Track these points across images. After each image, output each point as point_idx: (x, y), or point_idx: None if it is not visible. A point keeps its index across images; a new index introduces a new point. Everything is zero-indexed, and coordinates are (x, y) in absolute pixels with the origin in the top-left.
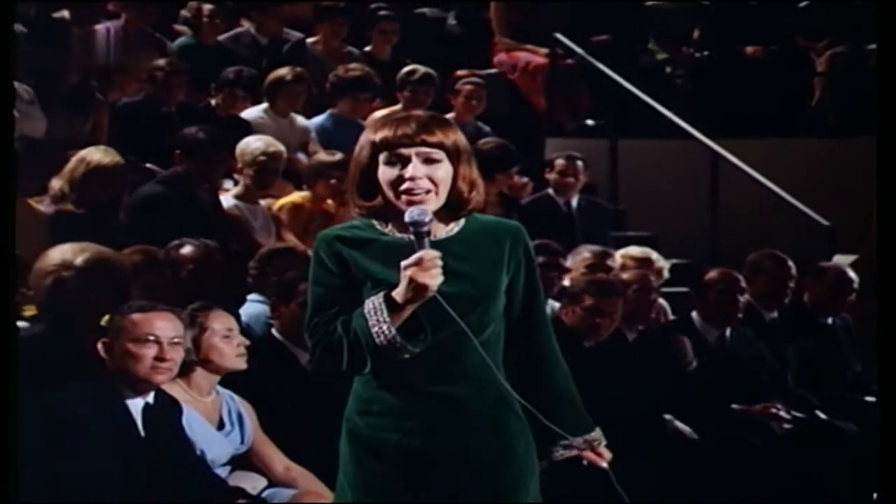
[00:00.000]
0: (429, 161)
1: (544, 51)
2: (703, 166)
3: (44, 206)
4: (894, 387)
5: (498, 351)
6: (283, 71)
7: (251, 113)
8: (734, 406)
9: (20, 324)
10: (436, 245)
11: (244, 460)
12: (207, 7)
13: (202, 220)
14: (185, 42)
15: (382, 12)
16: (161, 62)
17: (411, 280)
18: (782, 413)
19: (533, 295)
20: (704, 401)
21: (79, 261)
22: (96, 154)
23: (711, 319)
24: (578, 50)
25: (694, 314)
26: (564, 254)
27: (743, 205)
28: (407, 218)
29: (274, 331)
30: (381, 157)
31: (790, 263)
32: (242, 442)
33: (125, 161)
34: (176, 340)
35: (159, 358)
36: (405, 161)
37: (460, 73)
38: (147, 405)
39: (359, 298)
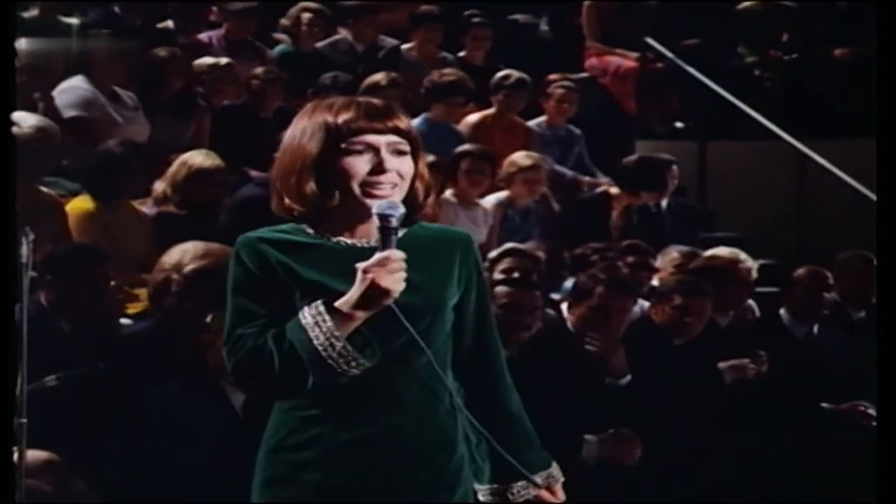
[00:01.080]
0: (397, 152)
1: (635, 55)
2: (791, 168)
3: (147, 207)
4: (894, 387)
5: (443, 375)
6: (379, 76)
7: None
8: (823, 405)
9: (123, 321)
10: (369, 251)
11: None
12: (306, 16)
13: None
14: (284, 49)
15: (476, 19)
16: (259, 70)
17: (372, 283)
18: (870, 411)
19: (484, 313)
20: (792, 398)
21: (188, 268)
22: (198, 157)
23: (799, 315)
24: (668, 54)
25: (782, 311)
26: (654, 254)
27: (830, 206)
28: (376, 209)
29: None
30: (345, 146)
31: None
32: None
33: (225, 164)
34: None
35: None
36: (374, 151)
37: (552, 77)
38: (247, 399)
39: (289, 309)
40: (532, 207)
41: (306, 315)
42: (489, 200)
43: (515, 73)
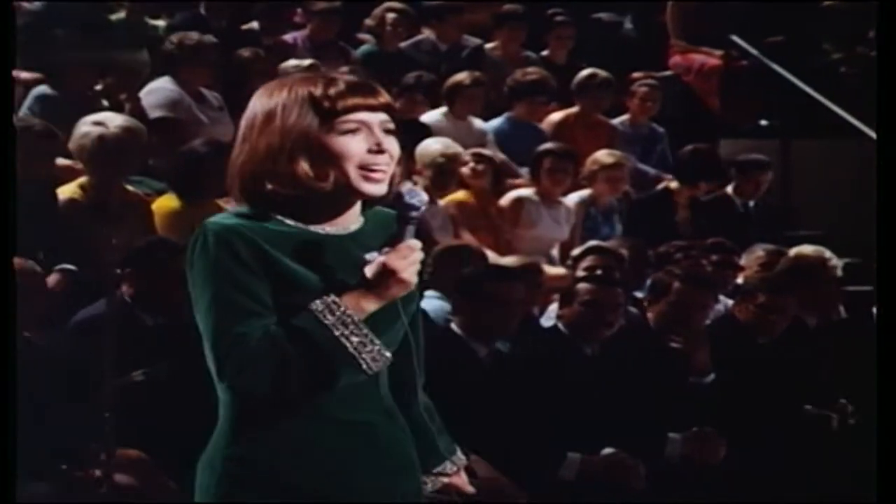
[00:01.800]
0: (387, 132)
1: (719, 52)
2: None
3: (231, 206)
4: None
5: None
6: (462, 75)
7: (430, 116)
8: None
9: None
10: (349, 239)
11: None
12: (390, 16)
13: None
14: (368, 49)
15: (560, 18)
16: (342, 69)
17: (393, 274)
18: None
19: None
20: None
21: None
22: None
23: None
24: (753, 51)
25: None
26: (739, 252)
27: None
28: (407, 198)
29: (453, 325)
30: (337, 124)
31: None
32: None
33: None
34: None
35: None
36: (368, 130)
37: (635, 75)
38: None
39: (277, 303)
40: (615, 206)
41: (317, 304)
42: (572, 199)
43: (602, 73)
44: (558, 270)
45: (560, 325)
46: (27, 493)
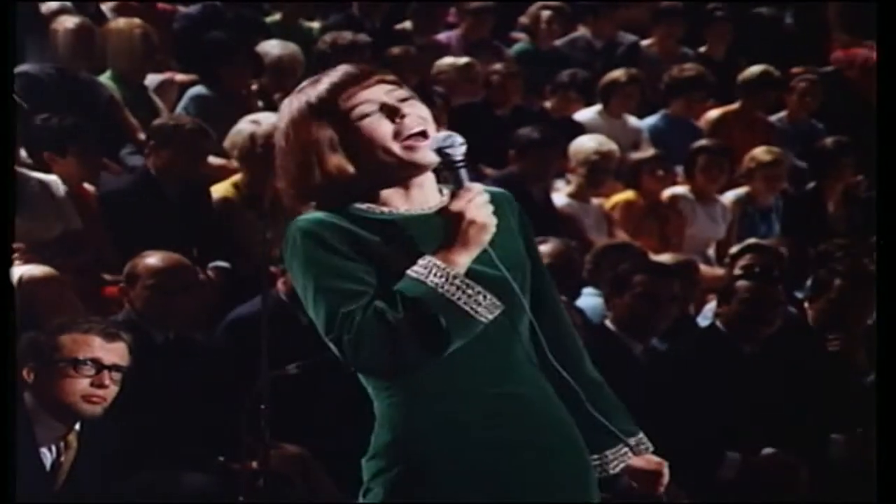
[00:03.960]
0: (401, 99)
1: None
2: None
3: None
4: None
5: (544, 342)
6: (618, 73)
7: (585, 114)
8: None
9: None
10: (433, 217)
11: None
12: (545, 14)
13: (534, 220)
14: (523, 48)
15: (718, 13)
16: (497, 66)
17: (469, 221)
18: None
19: (545, 276)
20: None
21: None
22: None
23: None
24: None
25: None
26: None
27: None
28: (434, 144)
29: (608, 322)
30: (349, 113)
31: None
32: None
33: None
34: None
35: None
36: (378, 104)
37: (795, 70)
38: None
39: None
40: (773, 204)
41: (414, 268)
42: (728, 196)
43: (766, 71)
44: (715, 269)
45: (718, 324)
46: (186, 483)
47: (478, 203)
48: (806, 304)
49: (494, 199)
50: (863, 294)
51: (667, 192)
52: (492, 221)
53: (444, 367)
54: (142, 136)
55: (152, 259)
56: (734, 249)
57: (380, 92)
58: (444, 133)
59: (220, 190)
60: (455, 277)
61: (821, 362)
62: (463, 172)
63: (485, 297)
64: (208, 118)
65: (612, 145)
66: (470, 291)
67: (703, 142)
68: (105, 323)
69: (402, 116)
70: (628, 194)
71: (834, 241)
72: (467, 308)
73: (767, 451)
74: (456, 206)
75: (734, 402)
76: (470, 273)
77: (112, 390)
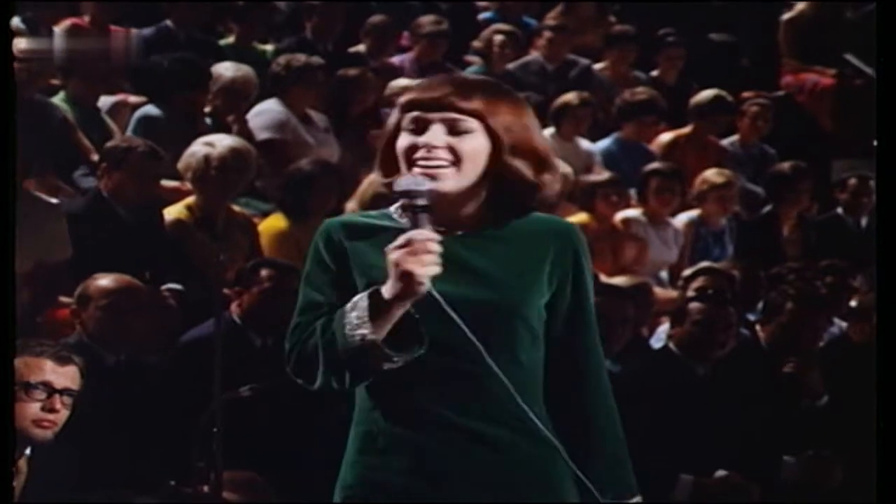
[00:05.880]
0: (456, 131)
1: (832, 72)
2: None
3: None
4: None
5: (536, 385)
6: (570, 96)
7: None
8: None
9: None
10: (455, 238)
11: None
12: (498, 38)
13: None
14: (476, 71)
15: (670, 38)
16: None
17: (402, 272)
18: None
19: (582, 314)
20: None
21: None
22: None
23: None
24: (867, 70)
25: None
26: (853, 273)
27: None
28: (396, 187)
29: None
30: (404, 123)
31: None
32: None
33: None
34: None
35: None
36: (424, 126)
37: (746, 94)
38: None
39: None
40: (725, 226)
41: (350, 302)
42: (681, 219)
43: (717, 95)
44: (668, 292)
45: (671, 346)
46: None
47: (416, 252)
48: (758, 327)
49: (541, 230)
50: (814, 316)
51: (619, 216)
52: (425, 273)
53: (408, 387)
54: (95, 157)
55: (104, 281)
56: (687, 272)
57: (436, 116)
58: (412, 177)
59: (173, 212)
60: (366, 330)
61: (773, 384)
62: (423, 217)
63: (395, 360)
64: (157, 139)
65: (566, 168)
66: (379, 353)
67: (655, 165)
68: (57, 346)
69: (425, 147)
70: (582, 217)
71: (786, 264)
72: (375, 365)
73: (720, 472)
74: (395, 254)
75: (687, 424)
76: (447, 296)
77: (63, 414)
